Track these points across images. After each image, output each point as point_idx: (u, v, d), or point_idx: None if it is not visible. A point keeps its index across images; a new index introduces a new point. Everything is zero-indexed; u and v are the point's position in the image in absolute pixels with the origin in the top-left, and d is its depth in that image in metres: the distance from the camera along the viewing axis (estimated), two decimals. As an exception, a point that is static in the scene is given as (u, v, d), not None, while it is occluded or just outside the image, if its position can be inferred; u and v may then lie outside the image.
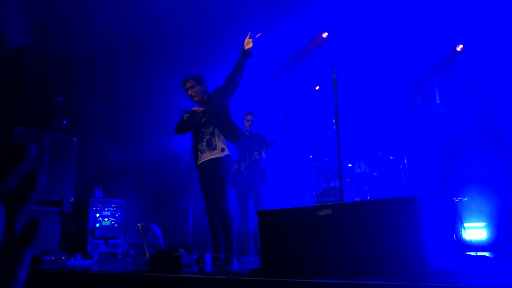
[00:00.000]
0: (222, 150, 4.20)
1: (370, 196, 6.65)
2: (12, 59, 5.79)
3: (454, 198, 6.34)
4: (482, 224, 6.25)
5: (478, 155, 6.85)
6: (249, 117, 6.39)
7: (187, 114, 4.40)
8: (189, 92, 4.38)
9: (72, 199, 5.80)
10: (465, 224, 5.98)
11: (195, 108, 4.41)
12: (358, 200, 5.17)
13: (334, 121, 3.40)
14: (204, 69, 4.95)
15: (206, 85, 4.48)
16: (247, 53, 4.17)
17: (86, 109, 6.86)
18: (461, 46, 7.52)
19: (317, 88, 8.70)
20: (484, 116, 7.00)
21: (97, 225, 5.98)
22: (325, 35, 8.09)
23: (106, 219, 6.10)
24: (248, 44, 4.11)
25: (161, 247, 6.14)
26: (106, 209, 6.13)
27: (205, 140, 4.26)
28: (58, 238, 5.53)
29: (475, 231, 6.20)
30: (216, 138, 4.22)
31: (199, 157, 4.33)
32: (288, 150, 7.25)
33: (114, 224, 6.18)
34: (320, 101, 8.37)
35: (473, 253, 4.46)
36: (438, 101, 7.65)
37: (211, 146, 4.22)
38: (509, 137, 6.60)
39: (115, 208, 6.23)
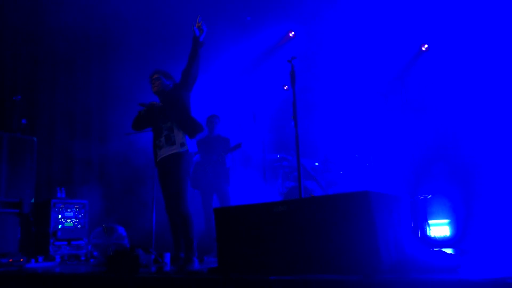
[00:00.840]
0: (182, 145, 4.12)
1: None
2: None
3: (419, 196, 6.44)
4: (446, 221, 6.37)
5: (444, 153, 6.98)
6: (212, 119, 6.39)
7: (145, 108, 4.34)
8: (153, 82, 4.39)
9: (32, 200, 5.64)
10: (430, 221, 6.08)
11: (153, 102, 4.35)
12: (313, 196, 5.19)
13: (292, 117, 3.39)
14: (170, 67, 4.89)
15: (171, 83, 4.45)
16: (200, 42, 4.13)
17: (47, 108, 6.68)
18: (426, 45, 7.65)
19: (285, 87, 8.69)
20: (449, 115, 7.14)
21: (59, 226, 5.83)
22: (292, 34, 8.12)
23: (68, 220, 5.95)
24: (200, 30, 4.09)
25: (126, 247, 6.04)
26: (68, 210, 5.98)
27: (164, 135, 4.20)
28: (18, 240, 5.36)
29: (439, 228, 6.31)
30: (175, 134, 4.15)
31: (158, 153, 4.26)
32: (256, 150, 7.24)
33: (77, 225, 6.04)
34: (289, 100, 8.37)
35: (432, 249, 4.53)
36: (404, 100, 7.77)
37: (170, 141, 4.16)
38: (472, 135, 6.75)
39: (78, 209, 6.09)
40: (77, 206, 6.10)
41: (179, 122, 4.15)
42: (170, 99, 4.28)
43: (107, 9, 6.57)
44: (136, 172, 7.02)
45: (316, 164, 7.13)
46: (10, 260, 4.61)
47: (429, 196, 6.48)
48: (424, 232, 5.87)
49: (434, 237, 5.99)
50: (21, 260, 4.72)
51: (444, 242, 5.92)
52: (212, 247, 5.71)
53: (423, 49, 7.70)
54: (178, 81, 4.39)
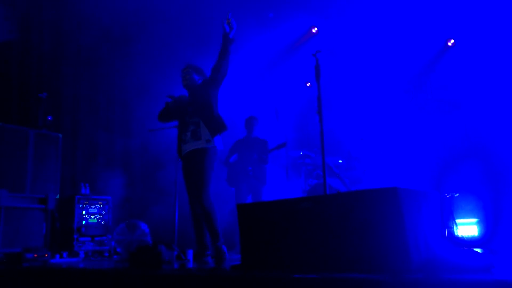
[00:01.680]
0: (207, 141, 4.13)
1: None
2: (-5, 54, 5.69)
3: (446, 194, 6.28)
4: (474, 220, 6.20)
5: (471, 151, 6.79)
6: (251, 120, 6.45)
7: (173, 100, 4.37)
8: (184, 76, 4.43)
9: (57, 196, 5.69)
10: (457, 220, 5.92)
11: (182, 96, 4.38)
12: (339, 192, 5.09)
13: (317, 112, 3.31)
14: (196, 62, 4.88)
15: (200, 79, 4.47)
16: (230, 39, 4.11)
17: (71, 104, 6.75)
18: (452, 41, 7.46)
19: (308, 84, 8.64)
20: (477, 112, 6.95)
21: (83, 222, 5.88)
22: (314, 30, 8.01)
23: (92, 217, 6.00)
24: (230, 26, 4.07)
25: (149, 244, 6.05)
26: (92, 206, 6.03)
27: (190, 130, 4.20)
28: (43, 236, 5.41)
29: (467, 227, 6.15)
30: (201, 129, 4.15)
31: (182, 147, 4.26)
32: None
33: (101, 221, 6.08)
34: (312, 97, 8.29)
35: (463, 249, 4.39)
36: (430, 97, 7.59)
37: (196, 136, 4.16)
38: (501, 133, 6.55)
39: (101, 205, 6.13)
40: (101, 202, 6.14)
41: (205, 118, 4.13)
42: (199, 94, 4.28)
43: (131, 3, 6.59)
44: (160, 168, 7.04)
45: (340, 161, 7.04)
46: (35, 255, 4.65)
47: (457, 195, 6.31)
48: (451, 231, 5.72)
49: (462, 237, 5.84)
50: (46, 255, 4.77)
51: (472, 242, 5.77)
52: (235, 243, 5.70)
53: (449, 44, 7.51)
54: (208, 76, 4.37)
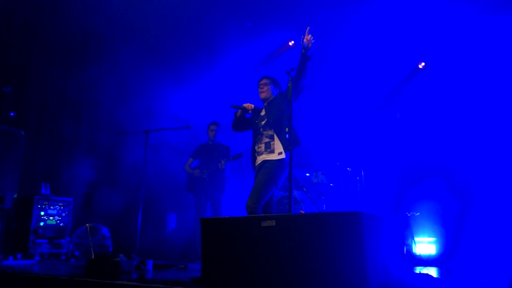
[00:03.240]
0: (280, 153, 4.14)
1: (326, 207, 6.65)
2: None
3: (407, 213, 6.42)
4: (432, 239, 6.35)
5: (433, 171, 6.97)
6: (213, 126, 6.38)
7: (239, 110, 4.43)
8: (261, 87, 4.46)
9: (15, 196, 5.51)
10: (416, 239, 6.05)
11: (245, 105, 4.41)
12: (303, 212, 5.13)
13: (287, 130, 3.33)
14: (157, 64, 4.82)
15: (277, 91, 4.51)
16: (307, 57, 4.05)
17: (37, 102, 6.55)
18: (423, 63, 7.67)
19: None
20: (440, 132, 7.15)
21: (41, 223, 5.70)
22: (291, 43, 8.08)
23: (51, 218, 5.83)
24: (309, 43, 4.01)
25: (108, 249, 5.93)
26: (52, 207, 5.85)
27: (264, 142, 4.23)
28: (-2, 235, 5.23)
29: (425, 245, 6.29)
30: (275, 142, 4.18)
31: (256, 158, 4.30)
32: (248, 158, 7.18)
33: (60, 223, 5.91)
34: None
35: (418, 270, 4.49)
36: (398, 115, 7.77)
37: (269, 149, 4.19)
38: (463, 155, 6.75)
39: (62, 207, 5.97)
40: (61, 204, 5.98)
41: (280, 131, 4.14)
42: (275, 107, 4.31)
43: (106, 5, 6.47)
44: (126, 173, 6.92)
45: (307, 175, 7.09)
46: (-12, 256, 4.48)
47: (417, 214, 6.46)
48: (410, 250, 5.84)
49: (419, 255, 5.97)
50: (-1, 256, 4.60)
51: (429, 260, 5.90)
52: (198, 255, 5.64)
53: (420, 67, 7.72)
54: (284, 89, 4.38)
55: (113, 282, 3.13)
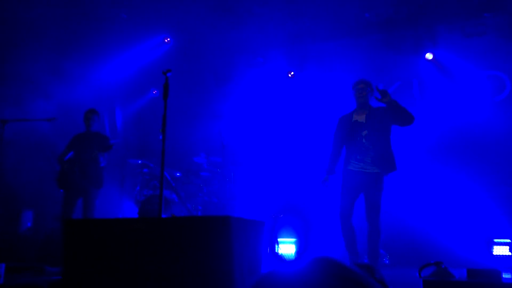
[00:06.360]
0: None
1: (195, 208, 6.66)
2: None
3: (272, 215, 6.72)
4: (293, 239, 6.75)
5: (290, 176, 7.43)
6: (89, 114, 5.89)
7: None
8: (361, 92, 4.59)
9: None
10: (280, 239, 6.38)
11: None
12: (174, 215, 5.12)
13: (161, 131, 3.28)
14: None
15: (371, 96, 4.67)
16: (390, 102, 4.30)
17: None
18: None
19: (154, 92, 8.66)
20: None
21: None
22: (167, 40, 8.01)
23: None
24: (383, 96, 4.31)
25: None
26: None
27: (370, 156, 4.44)
28: None
29: (286, 246, 6.66)
30: (379, 159, 4.40)
31: (356, 165, 4.49)
32: (117, 153, 6.90)
33: None
34: (158, 107, 8.20)
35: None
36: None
37: (374, 164, 4.42)
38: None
39: None
40: None
41: (382, 150, 4.39)
42: (376, 117, 4.49)
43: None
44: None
45: (178, 174, 7.03)
46: None
47: (281, 215, 6.81)
48: (274, 250, 6.14)
49: (282, 255, 6.30)
50: None
51: (289, 260, 6.24)
52: (58, 257, 5.24)
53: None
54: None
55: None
